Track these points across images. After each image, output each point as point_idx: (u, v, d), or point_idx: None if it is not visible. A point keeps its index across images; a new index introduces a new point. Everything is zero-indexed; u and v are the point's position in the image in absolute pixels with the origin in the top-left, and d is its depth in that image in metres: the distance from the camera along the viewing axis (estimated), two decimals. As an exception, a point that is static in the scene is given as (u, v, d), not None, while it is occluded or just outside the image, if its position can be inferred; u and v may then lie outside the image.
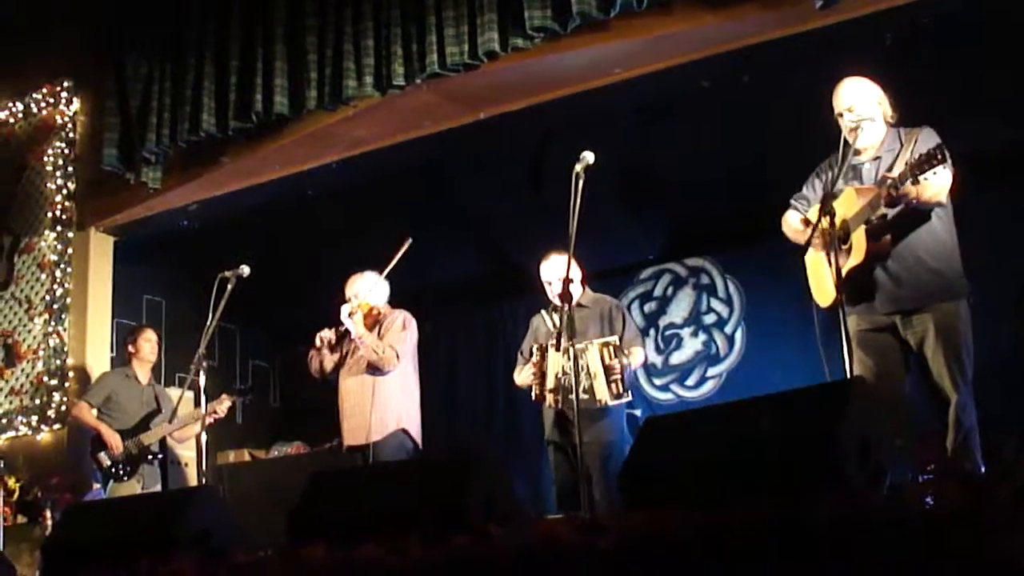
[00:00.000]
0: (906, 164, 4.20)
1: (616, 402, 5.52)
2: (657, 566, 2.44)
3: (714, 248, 8.06)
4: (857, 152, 4.56)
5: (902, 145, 4.46)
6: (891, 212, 4.33)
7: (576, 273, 5.79)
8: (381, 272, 6.13)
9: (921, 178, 4.11)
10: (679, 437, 3.33)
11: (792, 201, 4.83)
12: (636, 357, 5.76)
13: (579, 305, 5.79)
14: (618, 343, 5.55)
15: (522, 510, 3.65)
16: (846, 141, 4.52)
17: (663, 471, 3.13)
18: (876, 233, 4.37)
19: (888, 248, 4.38)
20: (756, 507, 2.38)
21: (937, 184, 4.27)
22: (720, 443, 3.08)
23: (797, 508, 2.32)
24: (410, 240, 6.02)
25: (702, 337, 8.06)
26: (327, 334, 6.18)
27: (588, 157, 4.66)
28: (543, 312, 5.94)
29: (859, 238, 4.38)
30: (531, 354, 5.79)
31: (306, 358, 6.35)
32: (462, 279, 8.55)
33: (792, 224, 4.78)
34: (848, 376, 4.12)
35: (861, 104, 4.53)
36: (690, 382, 8.02)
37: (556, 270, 5.68)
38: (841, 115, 4.56)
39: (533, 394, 5.63)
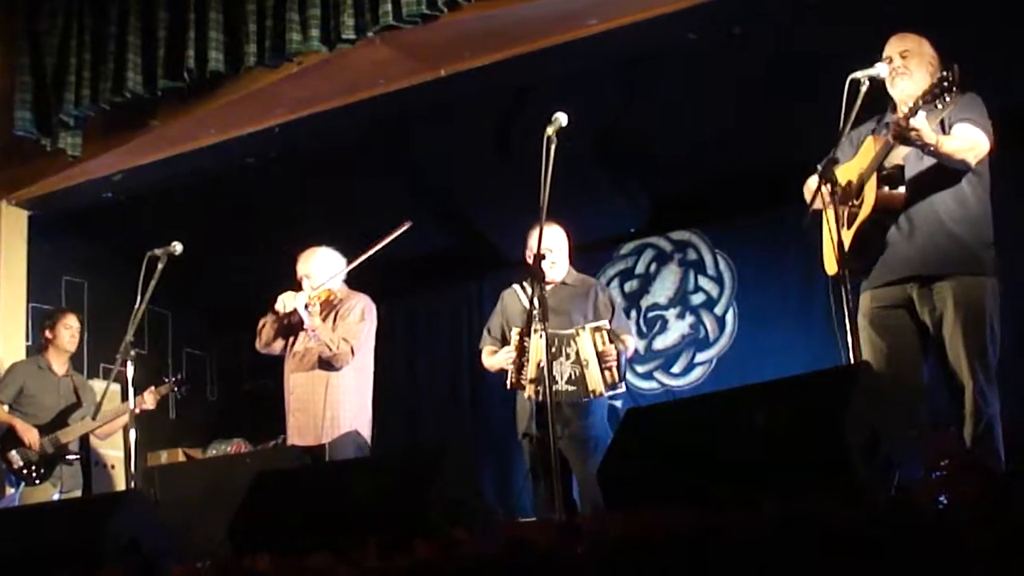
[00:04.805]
0: (918, 97, 4.20)
1: (612, 392, 5.54)
2: (642, 573, 2.44)
3: (702, 220, 8.08)
4: (894, 108, 4.57)
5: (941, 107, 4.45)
6: (907, 162, 4.34)
7: (560, 247, 5.78)
8: (368, 251, 6.09)
9: (943, 120, 4.11)
10: (664, 430, 3.34)
11: (819, 166, 4.81)
12: (630, 343, 5.79)
13: (563, 284, 5.79)
14: (609, 327, 5.56)
15: (491, 513, 3.64)
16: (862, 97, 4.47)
17: (646, 468, 3.14)
18: (888, 181, 4.37)
19: (901, 201, 4.37)
20: (750, 507, 2.38)
21: (963, 139, 4.28)
22: (710, 437, 3.09)
23: (796, 508, 2.32)
24: (409, 223, 5.98)
25: (689, 319, 8.08)
26: (290, 299, 6.07)
27: (561, 119, 4.64)
28: (517, 287, 5.90)
29: (870, 187, 4.39)
30: (503, 334, 5.78)
31: (250, 344, 6.32)
32: (422, 254, 8.50)
33: (810, 188, 4.74)
34: (853, 360, 4.13)
35: (911, 53, 4.53)
36: (676, 369, 8.05)
37: (554, 239, 5.70)
38: (889, 59, 4.55)
39: (509, 381, 5.62)
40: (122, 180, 7.69)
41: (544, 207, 4.65)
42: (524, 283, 5.80)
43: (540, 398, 5.42)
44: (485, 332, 6.02)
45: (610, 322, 5.68)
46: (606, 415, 5.77)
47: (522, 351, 5.50)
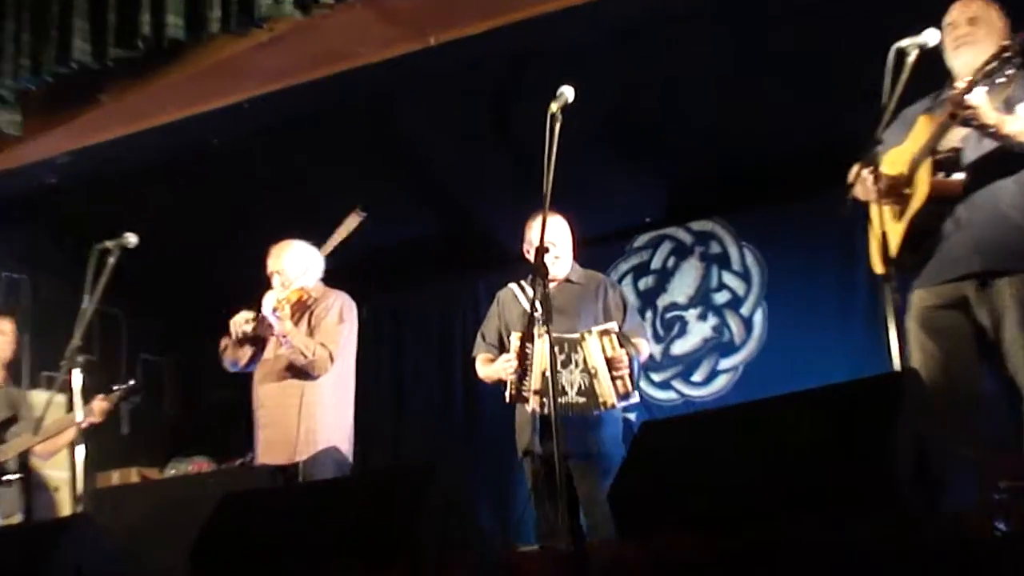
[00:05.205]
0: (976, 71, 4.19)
1: (623, 403, 5.52)
2: (658, 610, 2.44)
3: (727, 208, 8.09)
4: (952, 83, 4.55)
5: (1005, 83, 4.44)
6: (965, 145, 4.33)
7: (563, 240, 5.78)
8: (319, 250, 6.09)
9: (1008, 98, 4.09)
10: (683, 446, 3.33)
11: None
12: (643, 348, 5.76)
13: (568, 281, 5.78)
14: (619, 330, 5.54)
15: (487, 541, 3.65)
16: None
17: (663, 489, 3.13)
18: (944, 166, 4.36)
19: (959, 189, 4.35)
20: (779, 534, 2.38)
21: None
22: (735, 454, 3.09)
23: (833, 536, 2.32)
24: (362, 215, 5.96)
25: (712, 321, 8.09)
26: (244, 322, 6.10)
27: (567, 94, 4.63)
28: (514, 286, 5.89)
29: (923, 174, 4.38)
30: (500, 340, 5.76)
31: (215, 349, 6.31)
32: (410, 247, 8.54)
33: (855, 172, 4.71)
34: (900, 367, 4.12)
35: (979, 19, 4.52)
36: (697, 377, 8.06)
37: (556, 231, 5.68)
38: (952, 25, 4.53)
39: (508, 394, 5.59)
40: (68, 163, 7.69)
41: (547, 194, 4.64)
42: (523, 282, 5.79)
43: (545, 411, 5.35)
44: (479, 338, 5.98)
45: (622, 323, 5.65)
46: (620, 430, 5.76)
47: (524, 358, 5.45)
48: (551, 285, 5.56)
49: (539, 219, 5.56)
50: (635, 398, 5.57)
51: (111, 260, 5.67)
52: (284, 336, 5.92)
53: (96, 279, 5.63)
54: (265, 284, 6.12)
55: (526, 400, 5.50)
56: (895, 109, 4.36)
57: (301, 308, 6.06)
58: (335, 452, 5.99)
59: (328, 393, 6.02)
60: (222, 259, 7.89)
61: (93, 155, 7.58)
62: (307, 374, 5.95)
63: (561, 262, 5.74)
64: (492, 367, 5.78)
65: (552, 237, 5.64)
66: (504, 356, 5.66)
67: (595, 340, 5.44)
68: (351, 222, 5.93)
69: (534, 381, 5.43)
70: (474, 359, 5.99)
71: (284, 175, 7.81)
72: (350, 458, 6.08)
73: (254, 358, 6.19)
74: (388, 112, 7.62)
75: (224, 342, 6.22)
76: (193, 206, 8.12)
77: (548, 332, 4.73)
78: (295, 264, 6.13)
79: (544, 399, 5.32)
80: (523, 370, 5.48)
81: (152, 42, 6.54)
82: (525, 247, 5.72)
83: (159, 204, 7.84)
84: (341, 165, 7.79)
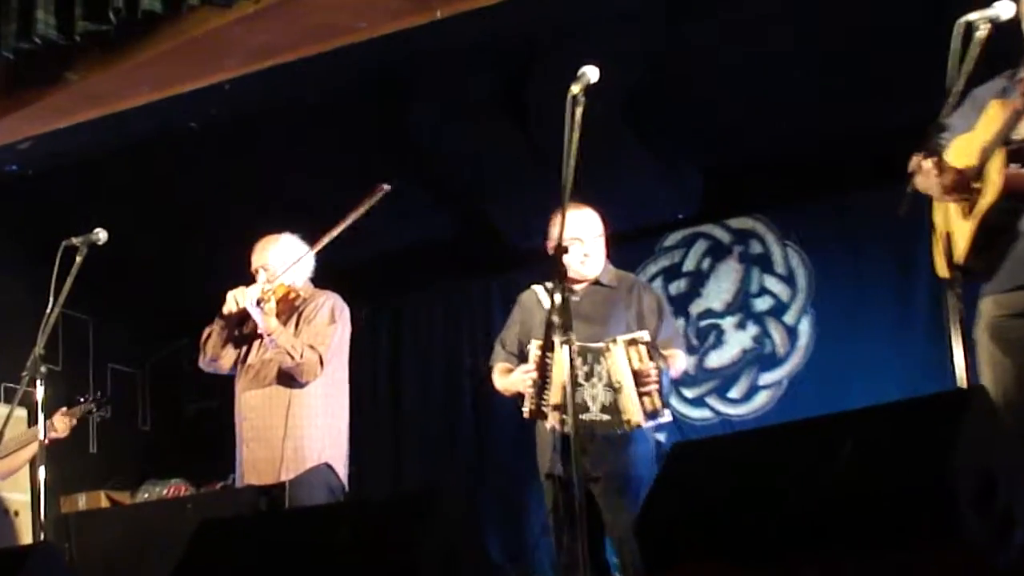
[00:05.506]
0: None
1: (651, 423, 5.47)
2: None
3: (769, 203, 8.09)
4: None
5: None
6: None
7: (593, 236, 5.77)
8: (336, 228, 6.05)
9: None
10: (718, 470, 3.33)
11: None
12: (676, 362, 5.71)
13: (598, 284, 5.77)
14: (649, 340, 5.52)
15: (498, 572, 3.65)
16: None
17: (695, 518, 3.13)
18: (1020, 158, 4.34)
19: None
20: (827, 569, 2.38)
21: None
22: (777, 480, 3.09)
23: (887, 569, 2.32)
24: (386, 187, 5.94)
25: (752, 330, 8.09)
26: (241, 298, 6.06)
27: (590, 74, 4.63)
28: (539, 288, 5.86)
29: (995, 166, 4.36)
30: (521, 348, 5.73)
31: (193, 358, 6.32)
32: (415, 246, 8.55)
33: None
34: (965, 382, 4.11)
35: None
36: (734, 394, 8.06)
37: (585, 226, 5.68)
38: None
39: (527, 409, 5.58)
40: (31, 149, 7.71)
41: (567, 186, 4.63)
42: (548, 283, 5.76)
43: (566, 429, 5.31)
44: (498, 346, 5.98)
45: (657, 331, 5.65)
46: (653, 451, 5.72)
47: (543, 370, 5.45)
48: (579, 288, 5.58)
49: (570, 210, 5.58)
50: (666, 417, 5.51)
51: (78, 259, 5.69)
52: (269, 334, 5.91)
53: (61, 280, 5.64)
54: (248, 282, 6.13)
55: (545, 416, 5.49)
56: (962, 91, 4.35)
57: (288, 308, 6.06)
58: (326, 472, 5.99)
59: (318, 404, 6.03)
60: (201, 258, 7.90)
61: (58, 140, 7.58)
62: (294, 380, 5.95)
63: (591, 261, 5.73)
64: (510, 378, 5.77)
65: (581, 232, 5.65)
66: (522, 367, 5.64)
67: (621, 351, 5.41)
68: (375, 196, 5.92)
69: (554, 395, 5.40)
70: (490, 369, 5.98)
71: (271, 165, 7.82)
72: (344, 480, 6.09)
73: (236, 362, 6.20)
74: (389, 94, 7.62)
75: (208, 330, 6.21)
76: (169, 199, 8.14)
77: (567, 340, 4.70)
78: (282, 259, 6.13)
79: (565, 416, 5.28)
80: (543, 382, 5.47)
81: (125, 15, 6.56)
82: (550, 244, 5.71)
83: (131, 196, 7.84)
84: (334, 153, 7.80)
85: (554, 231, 5.63)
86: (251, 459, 6.07)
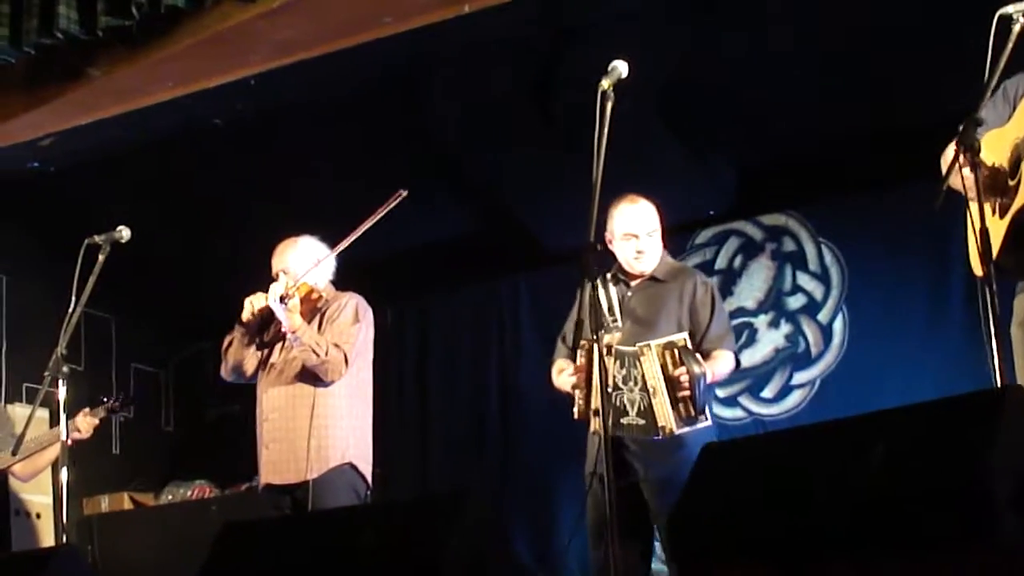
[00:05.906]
0: None
1: (685, 429, 5.40)
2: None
3: (802, 199, 8.07)
4: None
5: None
6: None
7: (652, 229, 5.74)
8: (357, 232, 6.05)
9: None
10: (751, 471, 3.33)
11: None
12: (721, 363, 5.63)
13: (652, 279, 5.75)
14: (686, 342, 5.47)
15: (524, 573, 3.65)
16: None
17: (726, 518, 3.13)
18: None
19: None
20: (863, 567, 2.38)
21: None
22: (810, 480, 3.08)
23: (922, 571, 2.31)
24: (403, 193, 5.94)
25: (785, 328, 8.07)
26: (259, 301, 6.07)
27: (620, 68, 4.63)
28: (600, 281, 5.76)
29: None
30: (576, 343, 5.63)
31: (217, 358, 6.32)
32: (440, 244, 8.55)
33: (947, 159, 4.67)
34: (1001, 381, 4.10)
35: None
36: (767, 393, 8.04)
37: (640, 221, 5.66)
38: None
39: (576, 410, 5.55)
40: (52, 146, 7.74)
41: (597, 182, 4.62)
42: (611, 273, 5.71)
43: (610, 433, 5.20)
44: (559, 341, 5.95)
45: (707, 326, 5.62)
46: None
47: (589, 370, 5.38)
48: (633, 284, 5.57)
49: (625, 204, 5.59)
50: (705, 421, 5.45)
51: (101, 257, 5.70)
52: (293, 332, 5.91)
53: (84, 279, 5.66)
54: (268, 284, 6.13)
55: (588, 420, 5.46)
56: (996, 85, 4.33)
57: (311, 309, 6.07)
58: (350, 472, 6.00)
59: (342, 404, 6.04)
60: (224, 257, 7.91)
61: (81, 137, 7.61)
62: (319, 379, 5.96)
63: (645, 257, 5.70)
64: (561, 378, 5.74)
65: (637, 226, 5.64)
66: (569, 368, 5.62)
67: (654, 355, 5.37)
68: (392, 203, 5.91)
69: (595, 398, 5.33)
70: (552, 363, 5.94)
71: (295, 162, 7.83)
72: (368, 481, 6.09)
73: (259, 366, 6.20)
74: (415, 89, 7.62)
75: (229, 337, 6.21)
76: (193, 196, 8.15)
77: (596, 341, 4.67)
78: (303, 263, 6.13)
79: (600, 419, 5.26)
80: (588, 384, 5.42)
81: (148, 9, 6.58)
82: (607, 236, 5.68)
83: (154, 193, 7.86)
84: (360, 151, 7.80)
85: (618, 223, 5.64)
86: (272, 459, 6.06)
